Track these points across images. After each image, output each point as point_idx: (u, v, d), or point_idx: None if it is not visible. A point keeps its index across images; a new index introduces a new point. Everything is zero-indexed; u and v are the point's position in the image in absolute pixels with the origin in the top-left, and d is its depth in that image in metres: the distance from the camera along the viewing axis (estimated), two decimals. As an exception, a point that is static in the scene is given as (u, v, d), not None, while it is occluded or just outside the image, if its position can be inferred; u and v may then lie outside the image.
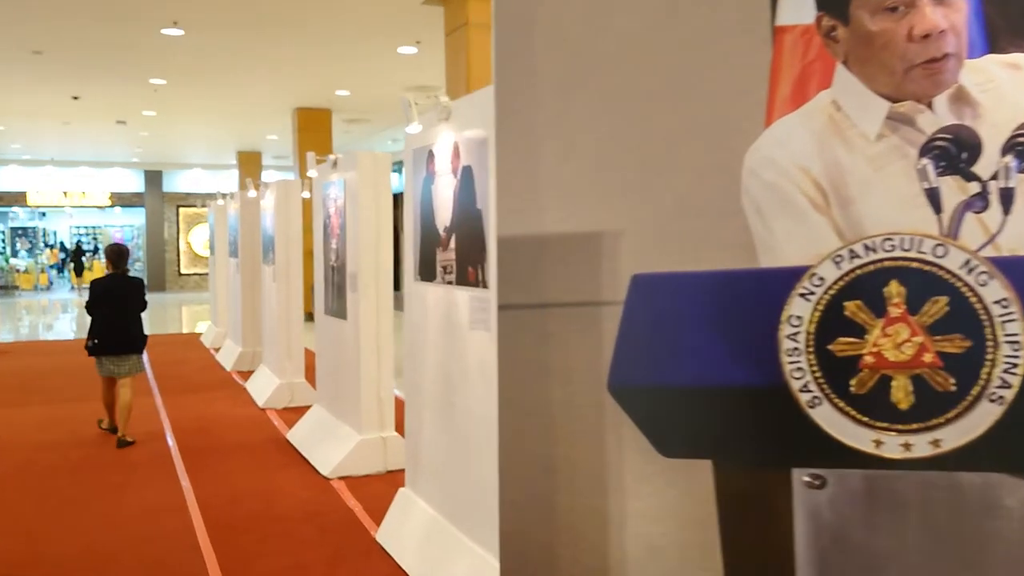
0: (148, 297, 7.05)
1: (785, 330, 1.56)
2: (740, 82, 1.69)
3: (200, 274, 26.05)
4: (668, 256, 1.56)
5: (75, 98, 14.37)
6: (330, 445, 6.00)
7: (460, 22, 8.68)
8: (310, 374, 8.15)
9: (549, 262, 1.53)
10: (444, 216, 3.95)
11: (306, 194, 8.14)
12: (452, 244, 3.87)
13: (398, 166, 13.76)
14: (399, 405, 6.42)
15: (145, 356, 7.40)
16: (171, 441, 6.83)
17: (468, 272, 3.70)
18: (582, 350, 1.51)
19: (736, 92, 1.68)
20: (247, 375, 9.53)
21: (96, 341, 6.53)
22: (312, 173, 6.40)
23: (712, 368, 1.54)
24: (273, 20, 9.84)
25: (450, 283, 3.91)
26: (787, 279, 1.57)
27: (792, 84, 1.71)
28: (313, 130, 15.77)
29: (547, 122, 1.62)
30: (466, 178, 3.69)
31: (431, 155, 4.09)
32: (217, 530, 4.79)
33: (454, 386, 3.91)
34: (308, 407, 7.72)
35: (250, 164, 22.78)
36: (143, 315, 6.77)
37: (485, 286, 3.54)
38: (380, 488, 5.49)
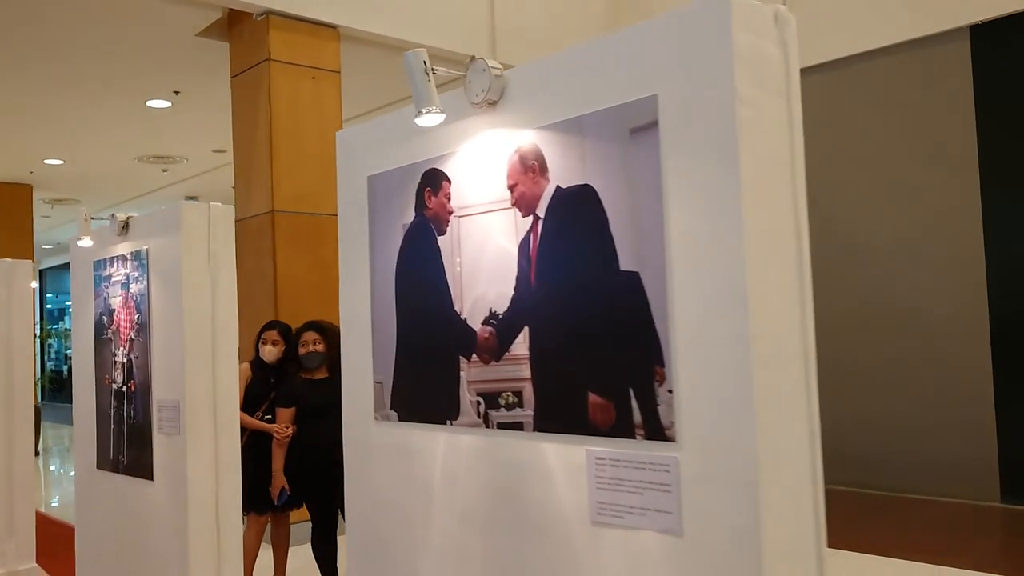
0: None
1: None
2: None
3: None
4: None
5: None
6: None
7: (257, 58, 6.62)
8: (49, 556, 5.39)
9: None
10: (486, 293, 1.99)
11: (35, 283, 5.53)
12: (521, 348, 1.91)
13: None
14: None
15: None
16: None
17: (590, 405, 1.76)
18: None
19: None
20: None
21: None
22: (85, 242, 4.00)
23: None
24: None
25: (511, 426, 1.93)
26: None
27: None
28: (7, 211, 12.35)
29: None
30: (581, 216, 1.79)
31: (433, 179, 2.13)
32: None
33: (533, 642, 1.89)
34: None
35: (-97, 257, 18.08)
36: None
37: (664, 435, 1.63)
38: None
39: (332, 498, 4.53)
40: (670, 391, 1.62)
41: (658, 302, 1.64)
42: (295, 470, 4.70)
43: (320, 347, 4.53)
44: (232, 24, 6.83)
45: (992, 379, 7.00)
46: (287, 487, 4.82)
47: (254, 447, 4.89)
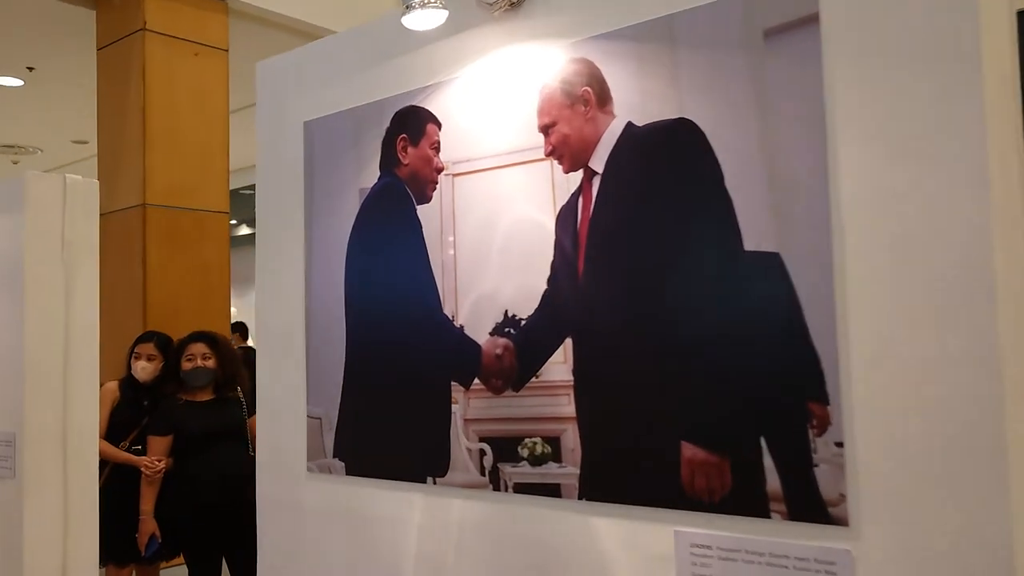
0: None
1: None
2: None
3: None
4: None
5: None
6: None
7: (129, 28, 5.75)
8: None
9: None
10: (498, 289, 1.34)
11: None
12: (558, 371, 1.26)
13: None
14: None
15: None
16: None
17: (684, 462, 1.12)
18: None
19: None
20: None
21: None
22: None
23: None
24: None
25: (538, 490, 1.28)
26: None
27: None
28: None
29: None
30: (673, 168, 1.16)
31: (411, 121, 1.46)
32: None
33: None
34: None
35: None
36: None
37: (826, 515, 1.01)
38: None
39: (215, 547, 3.77)
40: (839, 444, 1.01)
41: (816, 302, 1.02)
42: (169, 513, 3.88)
43: (210, 362, 3.79)
44: (100, -13, 5.94)
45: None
46: (158, 534, 3.96)
47: (117, 484, 4.02)
